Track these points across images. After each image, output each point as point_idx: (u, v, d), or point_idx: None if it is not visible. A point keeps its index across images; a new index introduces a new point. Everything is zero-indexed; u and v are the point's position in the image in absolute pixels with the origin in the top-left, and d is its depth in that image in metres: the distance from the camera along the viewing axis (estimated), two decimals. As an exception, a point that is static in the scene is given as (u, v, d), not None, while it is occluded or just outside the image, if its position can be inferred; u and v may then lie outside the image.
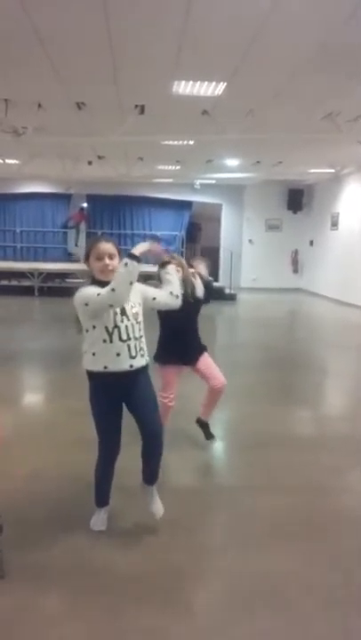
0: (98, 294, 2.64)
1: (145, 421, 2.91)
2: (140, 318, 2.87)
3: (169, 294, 2.94)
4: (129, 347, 2.78)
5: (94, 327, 2.77)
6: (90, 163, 11.79)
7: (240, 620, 2.38)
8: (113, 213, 16.45)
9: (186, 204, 16.38)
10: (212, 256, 17.13)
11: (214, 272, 16.51)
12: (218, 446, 4.50)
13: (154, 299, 2.93)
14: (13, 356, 7.20)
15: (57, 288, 14.32)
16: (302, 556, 2.86)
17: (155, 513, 3.01)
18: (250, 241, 16.55)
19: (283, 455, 4.17)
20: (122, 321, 2.77)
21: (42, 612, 2.38)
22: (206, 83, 5.85)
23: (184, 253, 16.22)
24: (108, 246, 2.78)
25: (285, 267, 16.49)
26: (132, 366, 2.80)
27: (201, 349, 4.03)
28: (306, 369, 7.15)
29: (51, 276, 14.36)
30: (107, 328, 2.76)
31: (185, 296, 3.68)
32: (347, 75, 5.41)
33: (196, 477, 3.84)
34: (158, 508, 3.02)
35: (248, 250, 16.54)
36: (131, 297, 2.75)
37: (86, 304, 2.71)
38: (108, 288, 2.61)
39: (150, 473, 2.99)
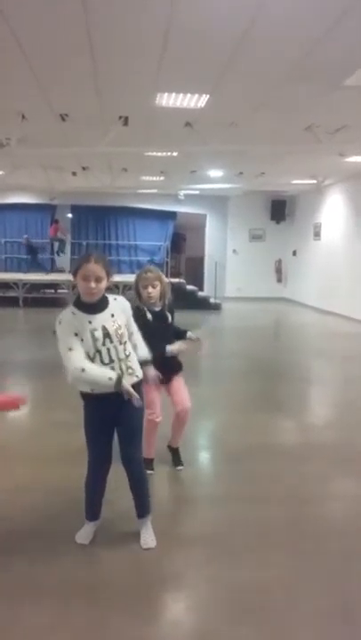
0: (69, 349, 2.66)
1: (127, 448, 2.89)
2: (126, 338, 2.81)
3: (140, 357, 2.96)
4: (112, 369, 2.73)
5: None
6: (74, 173, 11.81)
7: (226, 630, 2.36)
8: (97, 224, 16.48)
9: (170, 215, 16.46)
10: (196, 266, 17.29)
11: (199, 281, 16.61)
12: (203, 456, 4.50)
13: (130, 334, 2.91)
14: (-3, 367, 7.14)
15: (42, 298, 14.27)
16: (288, 565, 2.86)
17: (142, 545, 2.94)
18: (234, 251, 16.66)
19: (268, 465, 4.18)
20: (103, 344, 2.71)
21: (27, 625, 2.35)
22: (189, 95, 5.92)
23: (168, 264, 16.28)
24: (96, 268, 2.68)
25: (269, 276, 16.61)
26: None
27: (176, 369, 3.86)
28: (290, 378, 7.19)
29: (35, 286, 14.31)
30: (87, 354, 2.71)
31: (161, 314, 3.67)
32: (326, 87, 5.51)
33: (182, 488, 3.82)
34: (147, 541, 2.96)
35: (232, 260, 16.65)
36: (117, 319, 2.76)
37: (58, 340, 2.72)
38: (79, 365, 2.63)
39: (138, 504, 2.98)
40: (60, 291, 14.57)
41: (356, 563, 2.90)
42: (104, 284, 2.73)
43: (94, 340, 2.70)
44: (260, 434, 4.87)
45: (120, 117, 6.91)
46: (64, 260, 16.34)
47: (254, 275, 16.36)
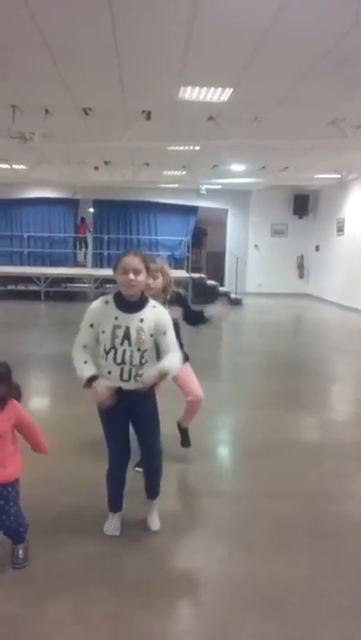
0: (80, 332, 2.83)
1: (144, 445, 2.97)
2: (146, 347, 2.75)
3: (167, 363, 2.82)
4: (122, 370, 2.74)
5: (97, 340, 2.80)
6: (96, 168, 11.85)
7: (245, 625, 2.37)
8: (119, 218, 16.51)
9: (191, 209, 16.42)
10: (217, 261, 17.24)
11: (220, 277, 16.57)
12: (223, 453, 4.50)
13: (165, 353, 2.83)
14: (20, 361, 7.21)
15: (63, 292, 14.39)
16: (308, 562, 2.85)
17: (149, 526, 3.05)
18: (255, 246, 16.56)
19: (288, 461, 4.16)
20: (121, 344, 2.72)
21: (48, 616, 2.39)
22: (212, 89, 5.88)
23: (190, 258, 16.26)
24: (134, 261, 2.73)
25: (291, 272, 16.48)
26: (121, 388, 2.77)
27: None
28: (311, 375, 7.13)
29: (57, 280, 14.43)
30: (104, 347, 2.75)
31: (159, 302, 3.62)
32: (352, 81, 5.43)
33: (202, 484, 3.82)
34: (153, 521, 3.06)
35: (254, 255, 16.55)
36: (145, 325, 2.74)
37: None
38: (73, 351, 2.83)
39: (149, 488, 3.07)
40: (81, 285, 14.67)
41: (377, 562, 2.87)
42: (143, 277, 2.76)
43: (114, 336, 2.73)
44: (280, 430, 4.85)
45: (143, 112, 6.90)
46: (86, 254, 16.47)
47: (276, 270, 16.25)
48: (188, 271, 15.32)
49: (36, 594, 2.53)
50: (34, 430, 2.79)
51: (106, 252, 16.40)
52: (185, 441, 4.07)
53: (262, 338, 9.89)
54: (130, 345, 2.73)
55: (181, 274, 13.90)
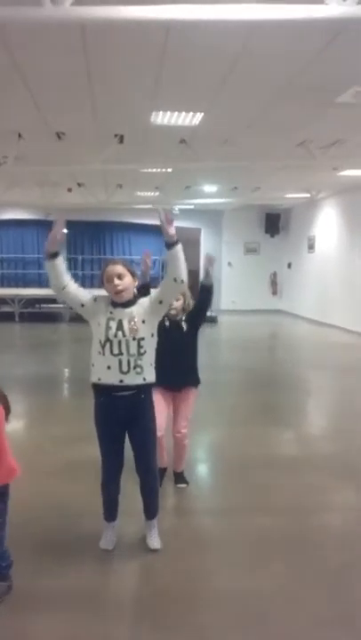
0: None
1: (139, 459, 2.99)
2: (140, 335, 2.83)
3: (172, 281, 2.88)
4: (120, 361, 2.80)
5: (93, 339, 2.88)
6: (69, 190, 11.91)
7: (230, 638, 2.40)
8: (93, 239, 16.57)
9: (165, 229, 16.53)
10: (192, 279, 17.33)
11: (194, 295, 16.61)
12: (203, 469, 4.53)
13: (160, 302, 2.93)
14: (-5, 383, 7.15)
15: (37, 313, 14.30)
16: (290, 574, 2.90)
17: (149, 546, 3.07)
18: (229, 264, 16.76)
19: (267, 476, 4.22)
20: (115, 335, 2.81)
21: (34, 637, 2.39)
22: (184, 113, 6.02)
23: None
24: (116, 267, 2.88)
25: (265, 289, 16.72)
26: (121, 381, 2.82)
27: (189, 381, 3.84)
28: (288, 390, 7.23)
29: (31, 301, 14.34)
30: (100, 341, 2.83)
31: (177, 323, 3.71)
32: (319, 104, 5.62)
33: (183, 500, 3.85)
34: (153, 542, 3.08)
35: (227, 273, 16.74)
36: (136, 315, 2.84)
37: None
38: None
39: (147, 507, 3.09)
40: (55, 305, 14.60)
41: (356, 572, 2.94)
42: (128, 280, 2.88)
43: (107, 327, 2.82)
44: (259, 446, 4.91)
45: (116, 135, 7.02)
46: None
47: (250, 288, 16.46)
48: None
49: (19, 618, 2.51)
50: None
51: (80, 273, 16.39)
52: (180, 480, 3.99)
53: (238, 354, 9.99)
54: (124, 335, 2.81)
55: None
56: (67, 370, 8.68)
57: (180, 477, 3.99)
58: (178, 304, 3.71)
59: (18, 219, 15.76)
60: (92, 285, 16.29)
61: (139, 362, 2.83)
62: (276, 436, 5.28)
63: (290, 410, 6.34)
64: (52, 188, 11.57)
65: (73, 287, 2.93)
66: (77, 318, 13.66)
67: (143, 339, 2.84)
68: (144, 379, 2.87)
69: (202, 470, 4.49)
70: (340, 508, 3.78)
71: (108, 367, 2.81)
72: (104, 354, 2.81)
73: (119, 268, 2.88)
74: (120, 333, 2.81)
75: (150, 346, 2.89)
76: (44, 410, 6.13)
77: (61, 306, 14.38)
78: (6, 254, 16.11)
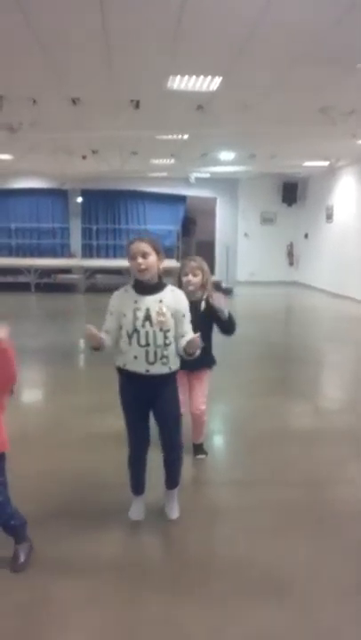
0: (104, 327, 2.89)
1: (163, 434, 3.01)
2: (167, 327, 2.82)
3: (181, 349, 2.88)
4: (147, 352, 2.80)
5: (120, 327, 2.85)
6: (84, 157, 11.74)
7: (252, 608, 2.42)
8: (107, 208, 16.41)
9: (180, 199, 16.36)
10: (207, 250, 17.20)
11: (210, 266, 16.46)
12: (220, 441, 4.54)
13: (182, 336, 2.87)
14: (15, 352, 7.19)
15: (53, 284, 14.32)
16: (310, 546, 2.91)
17: (168, 514, 3.12)
18: (245, 234, 16.56)
19: (284, 449, 4.21)
20: (143, 326, 2.79)
21: (61, 601, 2.44)
22: (202, 77, 5.84)
23: (180, 248, 16.23)
24: (141, 245, 2.82)
25: (281, 260, 16.52)
26: (147, 371, 2.82)
27: (204, 362, 3.63)
28: (304, 363, 7.19)
29: (46, 271, 14.34)
30: (127, 332, 2.81)
31: (195, 304, 3.52)
32: (341, 69, 5.42)
33: (201, 472, 3.87)
34: (172, 510, 3.12)
35: (244, 243, 16.56)
36: (164, 306, 2.81)
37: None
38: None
39: (169, 479, 3.12)
40: (70, 276, 14.60)
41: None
42: (152, 259, 2.82)
43: (135, 318, 2.80)
44: (276, 418, 4.90)
45: (131, 101, 6.85)
46: (75, 245, 16.37)
47: (266, 259, 16.28)
48: (178, 260, 15.30)
49: (46, 581, 2.57)
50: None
51: (95, 243, 16.33)
52: (199, 451, 4.00)
53: (255, 327, 9.92)
54: (151, 325, 2.79)
55: (172, 264, 13.88)
56: (83, 340, 8.70)
57: (199, 449, 4.00)
58: (196, 280, 3.59)
59: (32, 187, 15.64)
60: (106, 255, 16.33)
61: (165, 352, 2.83)
62: (293, 409, 5.26)
63: (307, 383, 6.31)
64: (66, 155, 11.42)
65: (114, 336, 2.89)
66: (92, 289, 13.78)
67: (169, 330, 2.84)
68: (170, 368, 2.89)
69: (219, 443, 4.50)
70: (357, 481, 3.76)
71: (135, 357, 2.82)
72: (130, 344, 2.81)
73: (144, 246, 2.81)
74: (148, 324, 2.79)
75: (175, 338, 2.89)
76: (62, 380, 6.16)
77: (76, 276, 14.37)
78: (21, 224, 16.04)
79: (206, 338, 3.71)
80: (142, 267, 2.80)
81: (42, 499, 3.30)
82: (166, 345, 2.83)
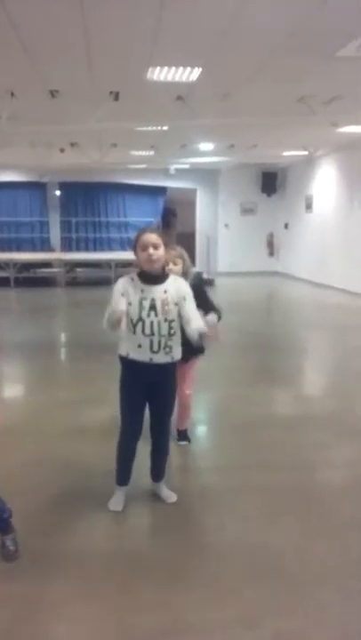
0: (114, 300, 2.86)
1: (157, 419, 3.07)
2: (172, 317, 2.88)
3: (193, 330, 2.90)
4: (151, 341, 2.85)
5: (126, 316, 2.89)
6: (62, 150, 11.65)
7: (242, 589, 2.49)
8: (87, 201, 16.29)
9: (160, 190, 16.33)
10: (188, 241, 17.22)
11: (191, 257, 16.50)
12: (205, 428, 4.61)
13: (188, 321, 2.90)
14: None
15: (33, 278, 14.21)
16: (297, 528, 2.99)
17: (166, 500, 3.19)
18: (225, 225, 16.61)
19: (269, 434, 4.30)
20: (148, 315, 2.84)
21: (53, 593, 2.47)
22: (181, 68, 5.84)
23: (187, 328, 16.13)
24: (152, 237, 2.87)
25: (261, 250, 16.62)
26: (151, 360, 2.87)
27: (195, 351, 3.66)
28: (286, 351, 7.29)
29: (26, 265, 14.22)
30: (131, 320, 2.86)
31: None
32: (320, 58, 5.47)
33: (189, 458, 3.93)
34: (168, 494, 3.21)
35: (224, 234, 16.61)
36: (169, 295, 2.86)
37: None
38: (108, 312, 2.86)
39: (155, 470, 3.19)
40: (50, 270, 14.48)
41: (359, 523, 3.03)
42: (161, 251, 2.87)
43: (141, 307, 2.84)
44: (260, 405, 4.99)
45: (111, 93, 6.82)
46: (55, 238, 16.24)
47: (246, 249, 16.35)
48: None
49: (38, 573, 2.60)
50: None
51: (74, 236, 16.22)
52: (182, 437, 4.05)
53: (237, 317, 9.99)
54: (156, 315, 2.84)
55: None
56: (66, 334, 8.70)
57: (182, 434, 4.06)
58: (177, 268, 3.57)
59: (10, 181, 15.47)
60: (86, 248, 16.24)
61: (169, 342, 2.89)
62: (276, 396, 5.35)
63: (290, 371, 6.41)
64: (45, 148, 11.32)
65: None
66: (73, 282, 13.66)
67: (173, 321, 2.90)
68: (172, 357, 2.95)
69: (204, 429, 4.57)
70: (341, 464, 3.86)
71: (139, 346, 2.87)
72: (135, 332, 2.86)
73: (155, 238, 2.87)
74: (153, 313, 2.85)
75: (179, 328, 2.94)
76: (46, 374, 6.16)
77: (56, 270, 14.28)
78: (-1, 217, 15.86)
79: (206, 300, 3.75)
80: (154, 257, 2.84)
81: (28, 490, 3.33)
82: (170, 335, 2.89)
